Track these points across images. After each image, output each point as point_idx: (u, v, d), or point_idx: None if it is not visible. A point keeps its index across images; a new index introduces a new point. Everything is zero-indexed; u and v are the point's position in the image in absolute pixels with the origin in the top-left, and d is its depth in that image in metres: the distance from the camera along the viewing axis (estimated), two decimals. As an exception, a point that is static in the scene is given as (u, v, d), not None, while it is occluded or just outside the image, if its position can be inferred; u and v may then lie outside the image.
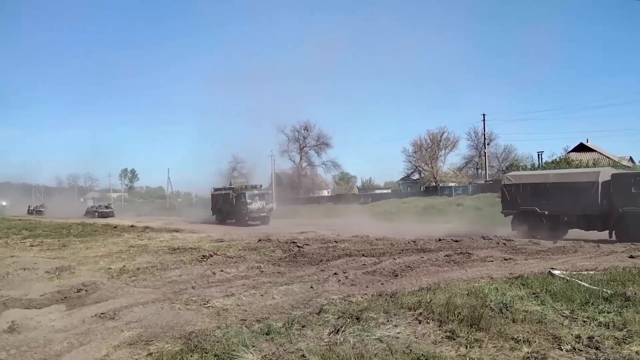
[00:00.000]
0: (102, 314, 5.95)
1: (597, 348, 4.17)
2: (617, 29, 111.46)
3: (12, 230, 23.69)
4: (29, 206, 63.87)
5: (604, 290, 6.04)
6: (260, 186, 35.38)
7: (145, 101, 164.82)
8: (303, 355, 4.15)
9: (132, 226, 26.26)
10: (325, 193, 70.64)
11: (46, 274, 9.52)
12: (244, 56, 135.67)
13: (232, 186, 35.08)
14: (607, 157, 42.82)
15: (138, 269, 10.09)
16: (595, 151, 45.04)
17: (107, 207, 55.87)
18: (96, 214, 50.86)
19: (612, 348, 4.18)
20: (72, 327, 5.51)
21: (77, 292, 7.55)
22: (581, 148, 46.47)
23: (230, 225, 30.37)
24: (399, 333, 4.75)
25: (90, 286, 7.78)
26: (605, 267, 8.31)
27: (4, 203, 74.14)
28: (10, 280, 9.03)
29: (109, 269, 10.31)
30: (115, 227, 25.11)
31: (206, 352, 4.29)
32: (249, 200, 30.54)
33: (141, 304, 6.43)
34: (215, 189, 37.27)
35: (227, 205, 32.86)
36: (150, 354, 4.45)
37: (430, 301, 5.71)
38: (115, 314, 5.94)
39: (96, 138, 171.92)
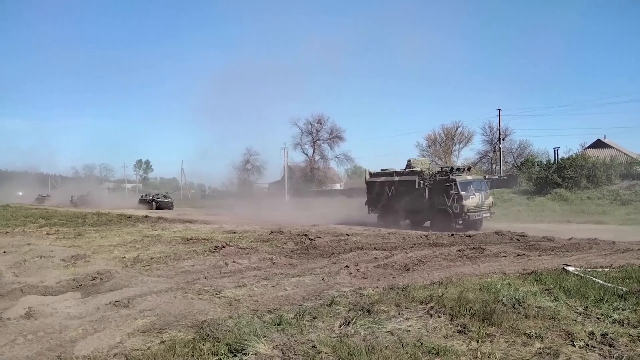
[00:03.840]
0: (116, 302, 6.03)
1: (611, 345, 4.12)
2: (636, 25, 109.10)
3: (29, 218, 24.11)
4: (72, 196, 56.32)
5: (619, 287, 5.96)
6: (469, 169, 22.41)
7: (159, 93, 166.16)
8: (314, 346, 4.17)
9: (145, 216, 26.57)
10: (337, 186, 70.64)
11: (62, 262, 9.69)
12: (258, 50, 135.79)
13: (415, 168, 21.90)
14: (625, 153, 42.11)
15: (152, 258, 10.21)
16: (613, 147, 44.35)
17: (165, 197, 46.89)
18: (153, 204, 43.64)
19: (626, 345, 4.13)
20: (87, 314, 5.60)
21: (92, 280, 7.67)
22: (598, 144, 45.82)
23: (412, 228, 19.41)
24: (410, 326, 4.74)
25: (105, 274, 7.90)
26: (620, 264, 8.19)
27: (20, 193, 74.82)
28: (27, 267, 9.20)
29: (123, 258, 10.45)
30: (129, 217, 25.42)
31: (218, 341, 4.33)
32: (463, 192, 18.93)
33: (155, 293, 6.51)
34: (375, 174, 24.20)
35: (408, 198, 20.88)
36: (163, 342, 4.50)
37: (441, 295, 5.69)
38: (129, 302, 6.02)
39: (111, 129, 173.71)
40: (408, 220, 21.30)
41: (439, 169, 21.62)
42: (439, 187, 19.79)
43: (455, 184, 19.06)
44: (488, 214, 19.82)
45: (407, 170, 22.29)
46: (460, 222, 18.98)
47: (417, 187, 20.52)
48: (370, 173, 24.85)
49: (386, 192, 22.39)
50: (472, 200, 19.12)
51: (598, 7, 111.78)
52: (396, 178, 22.12)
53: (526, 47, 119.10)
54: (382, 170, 23.90)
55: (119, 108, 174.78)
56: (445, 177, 19.81)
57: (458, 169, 20.86)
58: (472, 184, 19.87)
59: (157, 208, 42.26)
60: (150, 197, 46.20)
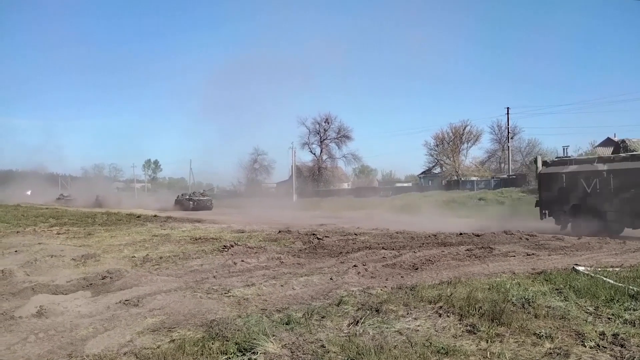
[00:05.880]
0: (126, 300, 6.07)
1: (622, 345, 4.08)
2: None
3: (40, 218, 24.33)
4: (97, 196, 52.98)
5: (630, 287, 5.90)
6: None
7: (167, 92, 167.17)
8: (322, 345, 4.17)
9: (155, 216, 26.72)
10: (345, 186, 70.68)
11: (72, 261, 9.76)
12: (265, 49, 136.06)
13: (637, 151, 15.51)
14: (636, 152, 41.66)
15: (161, 257, 10.26)
16: (623, 146, 43.93)
17: (203, 195, 44.15)
18: (191, 204, 40.39)
19: (637, 346, 4.08)
20: (97, 312, 5.64)
21: (102, 279, 7.72)
22: (608, 142, 45.46)
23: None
24: (418, 326, 4.73)
25: (115, 274, 7.94)
26: (631, 263, 8.12)
27: (28, 192, 74.90)
28: (38, 266, 9.29)
29: (132, 257, 10.51)
30: (138, 217, 25.58)
31: (227, 340, 4.35)
32: None
33: (164, 292, 6.54)
34: (557, 162, 18.26)
35: (629, 195, 14.36)
36: (173, 340, 4.52)
37: (450, 295, 5.67)
38: (139, 301, 6.05)
39: (118, 128, 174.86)
40: (605, 227, 14.78)
41: None
42: None
43: None
44: None
45: (622, 155, 15.56)
46: None
47: None
48: (546, 162, 18.47)
49: (581, 187, 15.79)
50: None
51: (606, 5, 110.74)
52: (602, 166, 15.33)
53: (534, 46, 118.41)
54: (566, 157, 17.10)
55: (125, 107, 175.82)
56: None
57: None
58: None
59: (194, 209, 38.57)
60: (188, 197, 42.61)
